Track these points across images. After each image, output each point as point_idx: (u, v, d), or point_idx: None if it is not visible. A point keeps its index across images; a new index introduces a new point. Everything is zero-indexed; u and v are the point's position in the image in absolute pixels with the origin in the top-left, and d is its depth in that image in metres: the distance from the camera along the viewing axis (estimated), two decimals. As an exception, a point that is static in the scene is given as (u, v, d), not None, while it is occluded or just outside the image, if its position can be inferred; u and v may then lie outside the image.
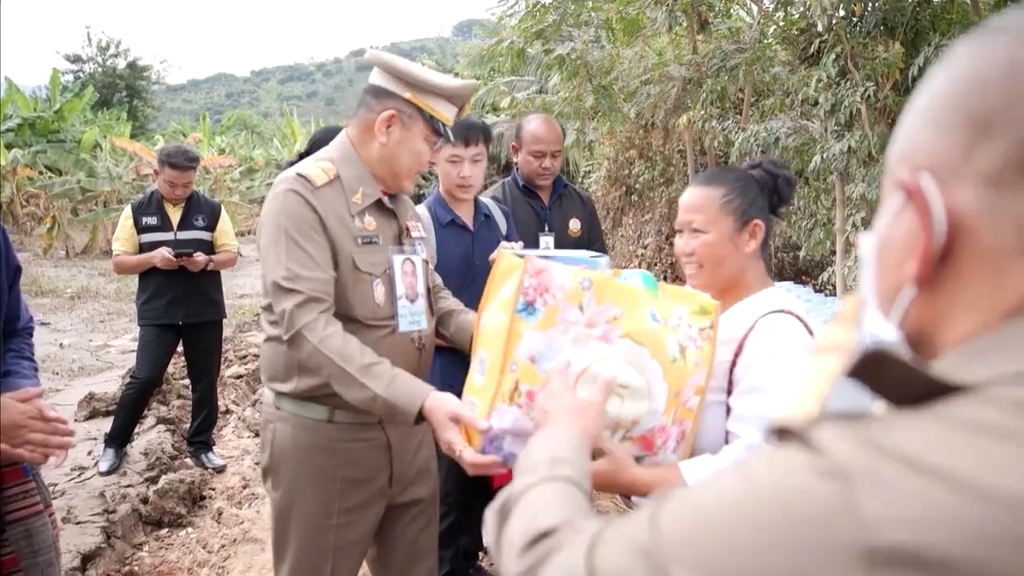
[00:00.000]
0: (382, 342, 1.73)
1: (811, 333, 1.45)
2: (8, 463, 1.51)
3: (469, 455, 1.42)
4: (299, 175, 1.70)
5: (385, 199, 1.82)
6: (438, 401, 1.53)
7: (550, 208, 3.10)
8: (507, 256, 1.44)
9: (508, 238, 2.68)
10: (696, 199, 1.54)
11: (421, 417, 1.55)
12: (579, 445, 0.94)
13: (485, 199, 2.80)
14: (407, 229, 1.89)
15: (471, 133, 2.53)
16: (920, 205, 0.49)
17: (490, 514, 0.82)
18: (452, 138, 1.83)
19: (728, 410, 1.45)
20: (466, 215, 2.65)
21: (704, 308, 1.55)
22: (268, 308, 1.75)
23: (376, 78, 1.77)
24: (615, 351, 1.32)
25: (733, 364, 1.45)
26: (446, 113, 1.76)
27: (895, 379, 0.44)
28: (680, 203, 1.59)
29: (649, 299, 1.40)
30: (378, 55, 1.78)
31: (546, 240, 2.95)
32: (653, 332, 1.36)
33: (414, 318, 1.82)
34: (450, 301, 2.04)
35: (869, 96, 3.88)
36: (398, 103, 1.73)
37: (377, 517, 1.87)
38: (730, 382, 1.45)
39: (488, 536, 0.83)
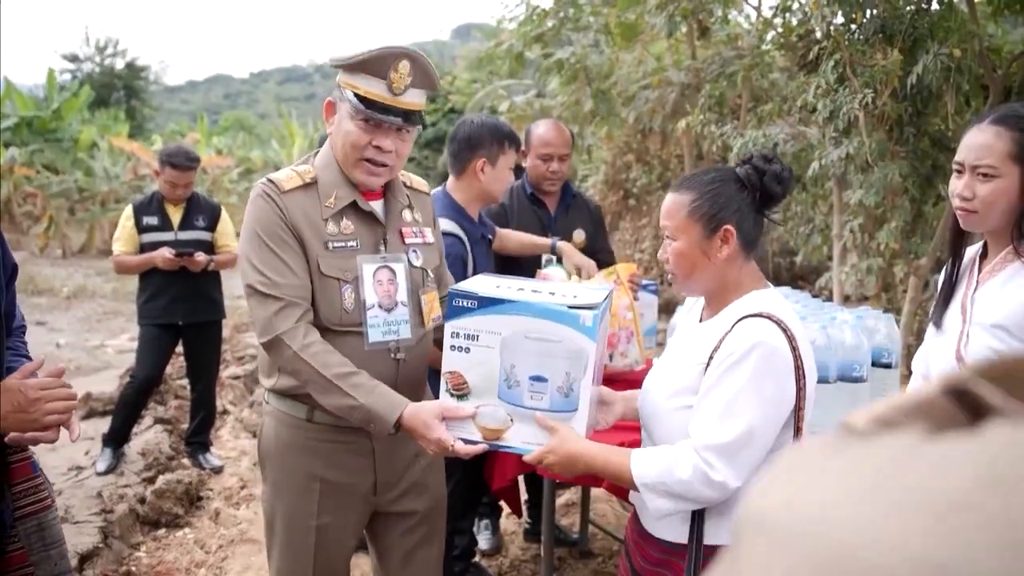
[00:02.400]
0: (353, 350, 1.70)
1: (791, 338, 1.42)
2: (18, 460, 1.51)
3: (461, 447, 1.55)
4: (268, 180, 1.72)
5: (365, 202, 1.76)
6: (418, 408, 1.60)
7: (556, 218, 3.06)
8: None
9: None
10: (668, 205, 1.51)
11: (398, 426, 1.60)
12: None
13: None
14: (400, 234, 1.83)
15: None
16: None
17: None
18: (366, 109, 1.68)
19: None
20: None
21: (609, 272, 2.53)
22: None
23: None
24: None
25: (707, 367, 1.45)
26: (368, 87, 1.67)
27: None
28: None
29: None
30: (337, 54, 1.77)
31: (555, 271, 2.70)
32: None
33: (389, 328, 1.75)
34: None
35: (867, 103, 3.89)
36: (335, 90, 1.74)
37: (360, 523, 1.85)
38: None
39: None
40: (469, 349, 1.50)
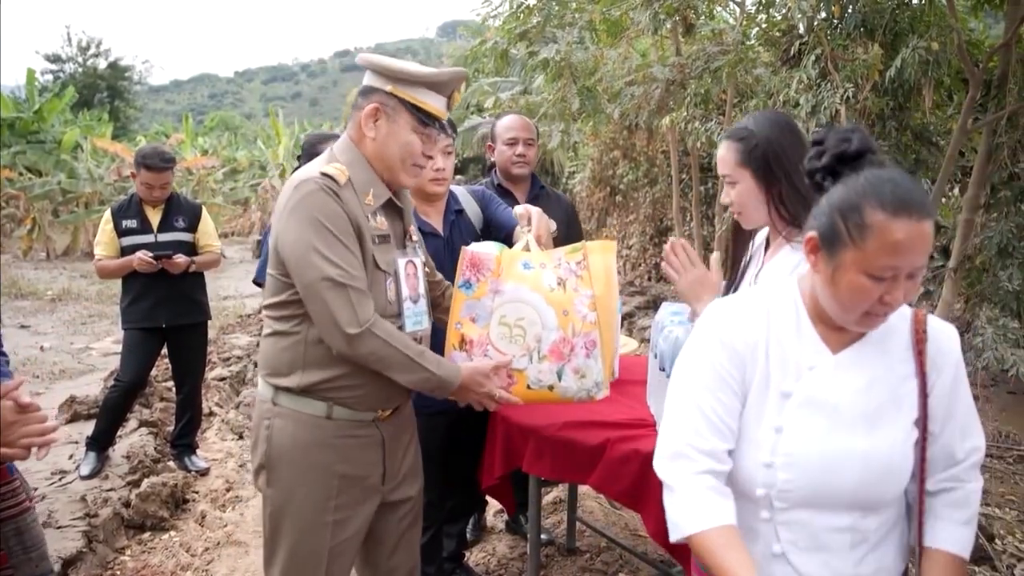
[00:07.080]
0: None
1: None
2: None
3: (504, 395, 1.86)
4: (324, 174, 1.71)
5: (395, 198, 1.87)
6: (473, 368, 1.84)
7: None
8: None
9: (490, 225, 2.65)
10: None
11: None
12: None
13: (456, 188, 2.75)
14: (408, 232, 1.94)
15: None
16: None
17: None
18: (447, 129, 1.88)
19: (922, 439, 1.29)
20: (436, 219, 2.58)
21: (575, 248, 1.96)
22: (277, 305, 1.77)
23: (365, 78, 1.83)
24: (509, 295, 1.89)
25: (923, 385, 1.28)
26: (432, 103, 1.79)
27: None
28: None
29: (521, 256, 1.96)
30: (365, 56, 1.83)
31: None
32: (526, 276, 1.90)
33: (417, 318, 1.87)
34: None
35: (849, 97, 3.92)
36: (381, 97, 1.78)
37: (370, 515, 1.88)
38: (924, 407, 1.28)
39: None
40: None
